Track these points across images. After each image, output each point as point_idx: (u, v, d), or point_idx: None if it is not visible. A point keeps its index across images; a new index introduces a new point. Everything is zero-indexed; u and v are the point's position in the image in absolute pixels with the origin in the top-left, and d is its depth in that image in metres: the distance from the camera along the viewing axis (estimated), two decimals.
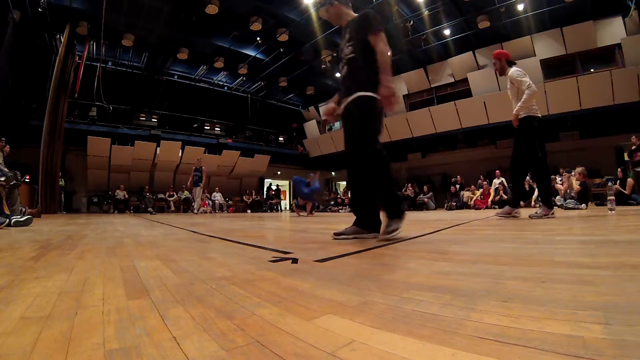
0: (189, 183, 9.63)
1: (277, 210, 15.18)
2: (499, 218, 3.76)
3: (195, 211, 9.59)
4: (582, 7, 9.27)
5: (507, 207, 3.85)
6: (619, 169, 7.74)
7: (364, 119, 1.95)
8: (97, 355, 0.47)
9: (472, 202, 9.97)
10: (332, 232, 2.03)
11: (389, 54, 1.92)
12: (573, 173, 6.78)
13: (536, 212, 3.57)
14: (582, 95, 9.66)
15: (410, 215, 6.30)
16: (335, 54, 12.41)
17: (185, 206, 12.97)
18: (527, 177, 9.42)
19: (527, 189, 9.18)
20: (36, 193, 8.08)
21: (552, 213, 3.51)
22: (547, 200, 3.58)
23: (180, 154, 13.25)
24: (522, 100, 3.44)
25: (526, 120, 3.48)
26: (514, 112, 3.55)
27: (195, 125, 14.73)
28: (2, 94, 8.84)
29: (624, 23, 9.04)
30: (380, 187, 1.95)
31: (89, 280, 0.97)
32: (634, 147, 6.95)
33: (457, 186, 11.06)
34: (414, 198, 11.84)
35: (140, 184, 12.87)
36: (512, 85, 3.59)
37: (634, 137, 7.07)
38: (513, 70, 3.59)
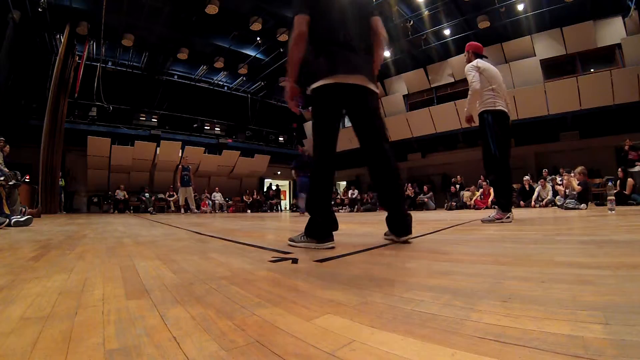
0: (178, 183, 9.41)
1: (277, 210, 15.17)
2: (482, 222, 3.19)
3: (195, 210, 9.56)
4: (582, 7, 9.27)
5: (497, 212, 3.18)
6: (619, 169, 7.73)
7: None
8: (97, 355, 0.47)
9: (472, 202, 9.96)
10: (336, 232, 1.98)
11: (292, 41, 1.64)
12: (573, 174, 6.78)
13: (489, 216, 3.21)
14: (582, 95, 9.66)
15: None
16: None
17: (185, 206, 12.94)
18: (527, 177, 9.50)
19: (527, 188, 9.23)
20: (36, 193, 8.08)
21: (508, 217, 3.08)
22: (502, 202, 3.17)
23: (180, 154, 13.25)
24: (467, 99, 3.27)
25: (480, 116, 3.26)
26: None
27: (195, 125, 14.73)
28: (2, 94, 8.84)
29: (624, 23, 9.04)
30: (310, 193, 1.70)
31: (89, 280, 0.97)
32: (627, 147, 6.98)
33: (457, 186, 11.05)
34: (414, 198, 11.83)
35: (140, 184, 12.86)
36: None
37: (627, 139, 7.10)
38: (469, 64, 3.34)
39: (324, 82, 1.62)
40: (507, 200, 3.21)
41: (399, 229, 1.71)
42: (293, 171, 7.52)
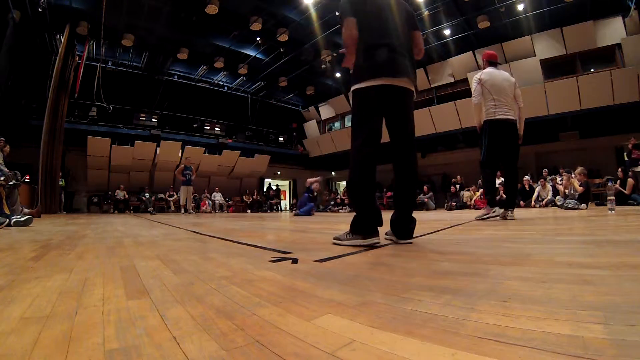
0: (182, 178, 9.37)
1: (277, 210, 15.18)
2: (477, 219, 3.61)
3: (191, 210, 9.57)
4: (582, 7, 9.26)
5: (485, 208, 3.66)
6: (619, 169, 7.74)
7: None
8: (97, 355, 0.47)
9: (472, 202, 9.97)
10: (337, 232, 2.00)
11: (346, 40, 1.75)
12: (573, 175, 6.78)
13: (481, 214, 3.65)
14: (582, 95, 9.65)
15: None
16: (335, 54, 12.39)
17: (184, 206, 12.94)
18: (527, 177, 9.51)
19: (527, 188, 9.24)
20: (36, 193, 8.08)
21: (494, 211, 3.49)
22: (488, 198, 3.68)
23: (180, 154, 13.24)
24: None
25: (483, 124, 3.60)
26: None
27: (195, 125, 14.72)
28: (2, 94, 8.84)
29: (624, 23, 9.03)
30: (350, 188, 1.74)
31: (89, 280, 0.97)
32: (630, 146, 6.98)
33: (457, 186, 11.06)
34: None
35: (140, 184, 12.86)
36: None
37: (632, 138, 7.09)
38: (474, 77, 3.64)
39: (372, 84, 1.70)
40: (491, 197, 3.66)
41: (402, 232, 1.73)
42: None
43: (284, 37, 11.27)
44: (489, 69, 3.60)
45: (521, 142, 3.66)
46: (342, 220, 4.51)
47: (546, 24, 10.05)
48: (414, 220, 1.75)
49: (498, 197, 9.12)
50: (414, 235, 1.79)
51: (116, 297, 0.79)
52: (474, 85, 3.55)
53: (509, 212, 3.49)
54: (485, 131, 3.52)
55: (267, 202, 15.17)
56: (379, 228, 1.70)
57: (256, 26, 10.67)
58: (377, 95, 1.70)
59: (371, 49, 1.72)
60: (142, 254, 1.50)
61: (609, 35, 9.34)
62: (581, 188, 6.44)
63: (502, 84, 3.49)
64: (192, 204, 9.88)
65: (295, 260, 1.25)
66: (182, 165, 9.45)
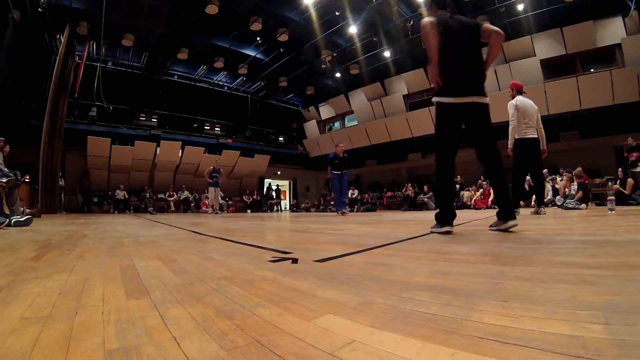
0: (210, 180, 9.50)
1: (277, 210, 15.17)
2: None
3: (217, 211, 9.68)
4: (582, 7, 9.26)
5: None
6: (619, 169, 7.73)
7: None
8: (97, 355, 0.47)
9: (472, 202, 9.97)
10: (336, 232, 2.05)
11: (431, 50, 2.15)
12: (561, 179, 6.79)
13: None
14: (582, 95, 9.65)
15: (410, 215, 6.31)
16: (335, 54, 12.38)
17: (185, 206, 12.97)
18: (527, 177, 9.52)
19: (527, 188, 9.24)
20: (36, 193, 8.08)
21: (516, 211, 4.56)
22: (518, 201, 4.59)
23: (180, 154, 13.24)
24: (509, 132, 4.24)
25: (515, 142, 4.23)
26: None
27: (195, 125, 14.72)
28: (2, 94, 8.83)
29: (624, 23, 9.03)
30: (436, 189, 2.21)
31: (89, 280, 0.97)
32: (629, 148, 6.99)
33: (457, 186, 11.06)
34: (414, 198, 11.84)
35: (140, 184, 12.86)
36: None
37: (630, 138, 7.09)
38: (510, 102, 4.23)
39: (446, 100, 2.16)
40: (517, 201, 4.50)
41: (504, 215, 2.13)
42: (328, 167, 7.43)
43: (284, 37, 11.27)
44: (521, 97, 4.23)
45: (547, 155, 4.41)
46: (341, 220, 4.51)
47: (546, 24, 10.04)
48: (512, 206, 2.16)
49: (491, 199, 9.41)
50: (415, 235, 1.79)
51: (116, 297, 0.79)
52: (511, 111, 4.16)
53: (542, 208, 4.40)
54: (517, 148, 4.17)
55: (267, 202, 15.17)
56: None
57: (256, 26, 10.67)
58: (453, 109, 2.13)
59: (446, 68, 2.10)
60: (142, 254, 1.50)
61: (609, 35, 9.34)
62: (579, 194, 6.45)
63: (531, 110, 4.15)
64: (221, 203, 10.09)
65: (295, 260, 1.25)
66: (211, 167, 9.60)
